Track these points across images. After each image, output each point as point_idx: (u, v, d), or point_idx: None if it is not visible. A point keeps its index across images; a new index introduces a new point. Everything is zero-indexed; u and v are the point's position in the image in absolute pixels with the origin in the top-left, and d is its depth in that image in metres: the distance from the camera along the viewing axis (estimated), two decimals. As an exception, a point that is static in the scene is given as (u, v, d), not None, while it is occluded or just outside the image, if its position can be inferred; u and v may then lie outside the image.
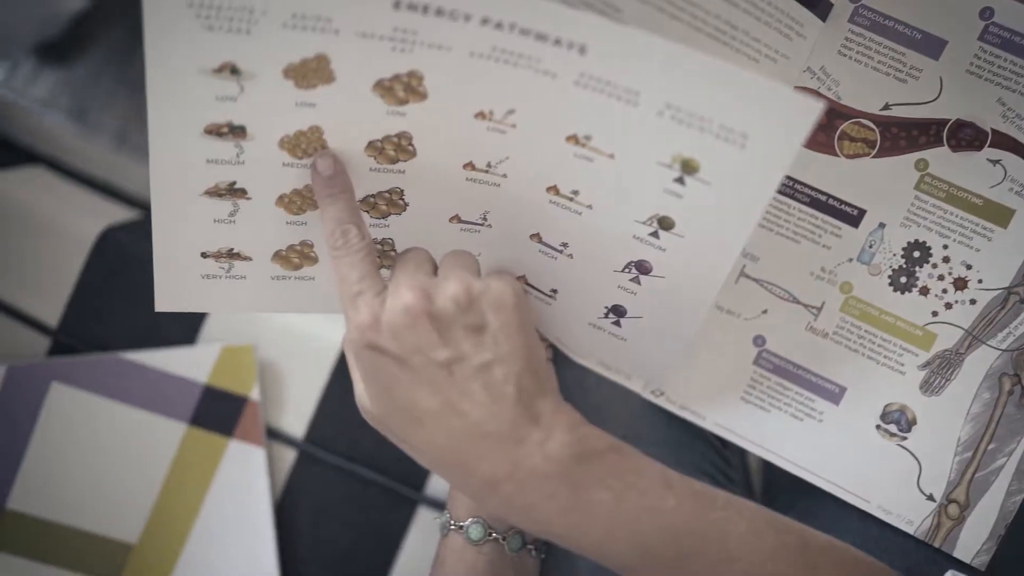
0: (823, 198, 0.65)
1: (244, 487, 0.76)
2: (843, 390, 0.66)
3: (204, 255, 0.60)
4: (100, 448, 0.76)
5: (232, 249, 0.60)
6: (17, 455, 0.76)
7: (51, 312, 0.77)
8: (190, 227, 0.59)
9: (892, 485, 0.65)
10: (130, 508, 0.76)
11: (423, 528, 0.78)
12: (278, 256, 0.61)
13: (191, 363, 0.76)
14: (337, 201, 0.56)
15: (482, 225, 0.62)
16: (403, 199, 0.60)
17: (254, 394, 0.76)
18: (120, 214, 0.82)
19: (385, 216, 0.61)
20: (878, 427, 0.65)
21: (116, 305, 0.77)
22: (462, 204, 0.61)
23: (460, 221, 0.62)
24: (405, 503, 0.78)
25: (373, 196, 0.59)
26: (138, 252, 0.78)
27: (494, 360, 0.51)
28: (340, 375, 0.77)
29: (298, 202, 0.59)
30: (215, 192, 0.57)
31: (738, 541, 0.52)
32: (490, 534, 0.64)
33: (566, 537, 0.52)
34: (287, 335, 0.77)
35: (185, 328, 0.77)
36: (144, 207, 0.85)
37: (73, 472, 0.76)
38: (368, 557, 0.78)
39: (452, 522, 0.65)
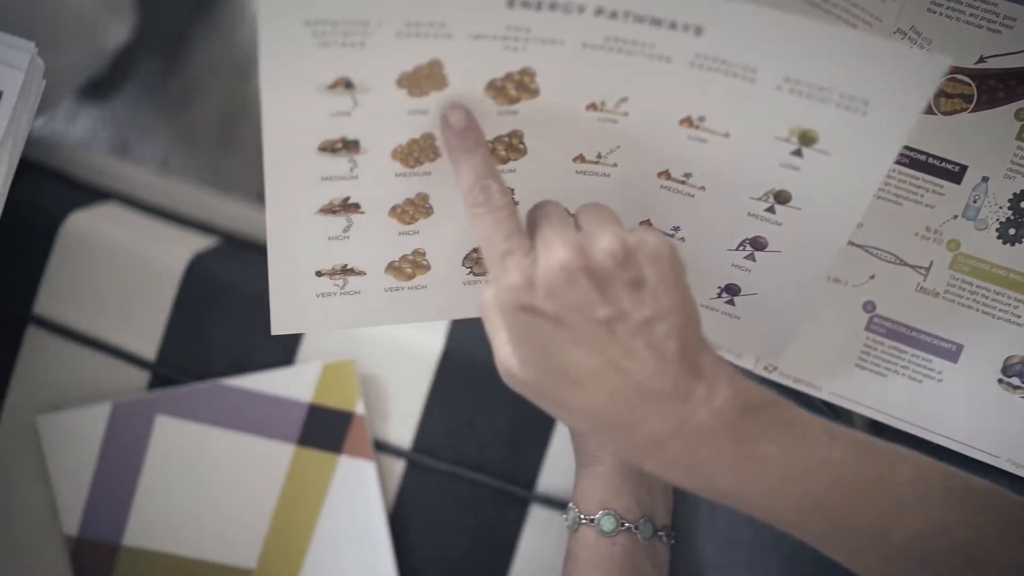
0: (922, 158, 0.65)
1: (357, 502, 0.76)
2: (960, 347, 0.65)
3: (319, 274, 0.60)
4: (210, 476, 0.76)
5: (346, 265, 0.60)
6: (128, 491, 0.76)
7: (148, 345, 0.77)
8: (305, 247, 0.59)
9: (1020, 438, 0.65)
10: (245, 533, 0.76)
11: (537, 526, 0.78)
12: (391, 268, 0.61)
13: (293, 383, 0.75)
14: (474, 155, 0.53)
15: None
16: (514, 197, 0.60)
17: (359, 408, 0.76)
18: (201, 242, 0.82)
19: None
20: (1000, 381, 0.65)
21: (211, 333, 0.77)
22: (571, 198, 0.61)
23: (571, 214, 0.61)
24: (517, 502, 0.78)
25: None
26: (227, 278, 0.78)
27: (655, 316, 0.49)
28: (441, 381, 0.77)
29: (410, 211, 0.59)
30: (329, 209, 0.57)
31: (905, 489, 0.50)
32: (622, 524, 0.64)
33: (734, 495, 0.50)
34: (385, 347, 0.77)
35: (282, 349, 0.77)
36: (221, 233, 0.85)
37: (185, 503, 0.76)
38: (485, 560, 0.78)
39: (582, 516, 0.65)
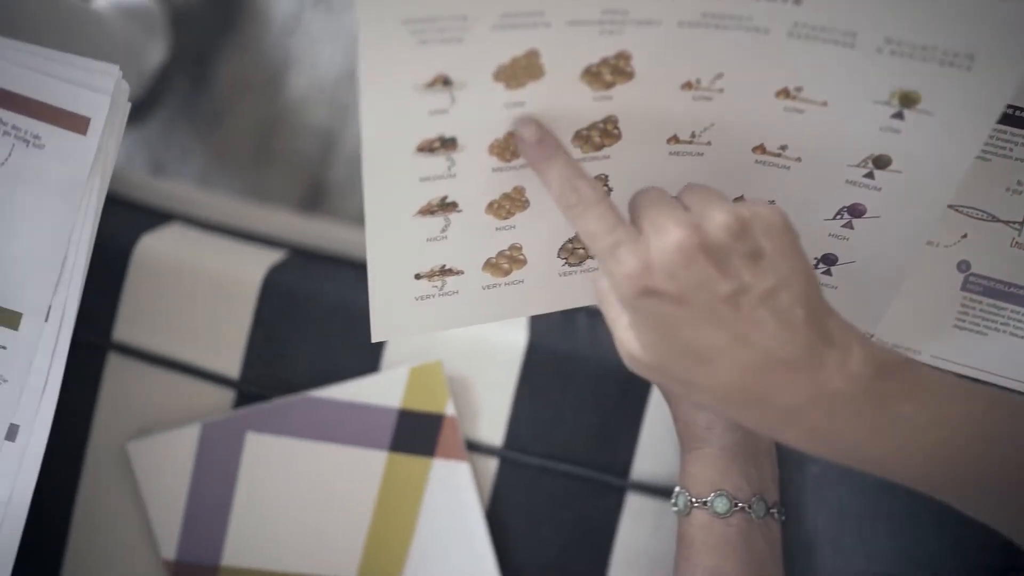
0: (1009, 111, 0.64)
1: (454, 504, 0.76)
2: (1060, 300, 0.65)
3: (417, 276, 0.60)
4: (305, 490, 0.75)
5: (444, 266, 0.60)
6: (223, 510, 0.75)
7: (230, 363, 0.77)
8: (404, 251, 0.58)
9: None
10: (344, 544, 0.76)
11: (634, 514, 0.77)
12: (488, 265, 0.61)
13: (381, 390, 0.75)
14: (555, 161, 0.53)
15: None
16: (607, 184, 0.59)
17: (449, 410, 0.75)
18: (271, 256, 0.81)
19: None
20: (1104, 331, 0.64)
21: (293, 346, 0.77)
22: (665, 180, 0.60)
23: None
24: (612, 492, 0.77)
25: None
26: (303, 289, 0.77)
27: (777, 285, 0.49)
28: (528, 376, 0.77)
29: (507, 206, 0.58)
30: (428, 210, 0.57)
31: None
32: (736, 504, 0.63)
33: (877, 460, 0.50)
34: (468, 346, 0.76)
35: (365, 357, 0.77)
36: (286, 246, 0.84)
37: (282, 518, 0.76)
38: (584, 552, 0.77)
39: (693, 500, 0.64)
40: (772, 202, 0.61)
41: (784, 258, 0.49)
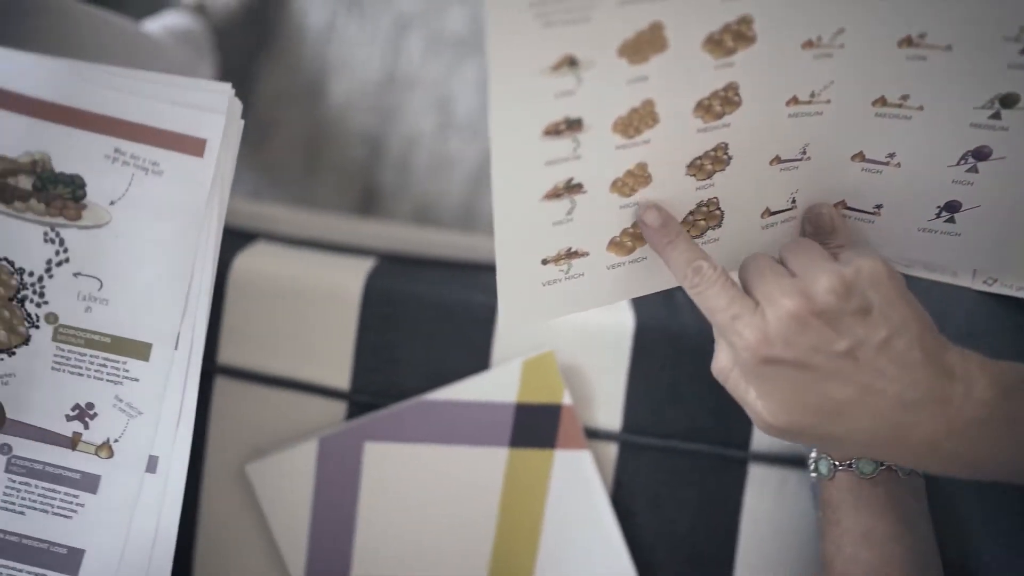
0: None
1: (579, 494, 0.75)
2: None
3: (544, 262, 0.59)
4: (428, 495, 0.75)
5: (570, 248, 0.59)
6: (348, 523, 0.74)
7: (339, 375, 0.76)
8: (531, 237, 0.58)
9: None
10: (473, 545, 0.75)
11: (758, 485, 0.76)
12: (613, 244, 0.60)
13: (495, 387, 0.74)
14: (677, 245, 0.58)
15: (801, 159, 0.61)
16: (727, 153, 0.58)
17: (566, 399, 0.74)
18: (363, 264, 0.80)
19: (710, 176, 0.59)
20: None
21: (400, 351, 0.76)
22: (783, 143, 0.59)
23: (780, 161, 0.60)
24: (734, 465, 0.76)
25: (700, 158, 0.58)
26: (403, 293, 0.77)
27: (891, 334, 0.52)
28: (639, 358, 0.76)
29: (630, 183, 0.58)
30: (554, 194, 0.56)
31: None
32: (881, 464, 0.63)
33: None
34: (576, 334, 0.76)
35: (474, 355, 0.76)
36: (373, 253, 0.84)
37: (407, 525, 0.75)
38: (711, 528, 0.77)
39: (836, 463, 0.64)
40: (892, 155, 0.60)
41: (893, 307, 0.53)
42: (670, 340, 0.75)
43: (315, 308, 0.76)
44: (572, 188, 0.56)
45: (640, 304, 0.77)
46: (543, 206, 0.56)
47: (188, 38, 1.05)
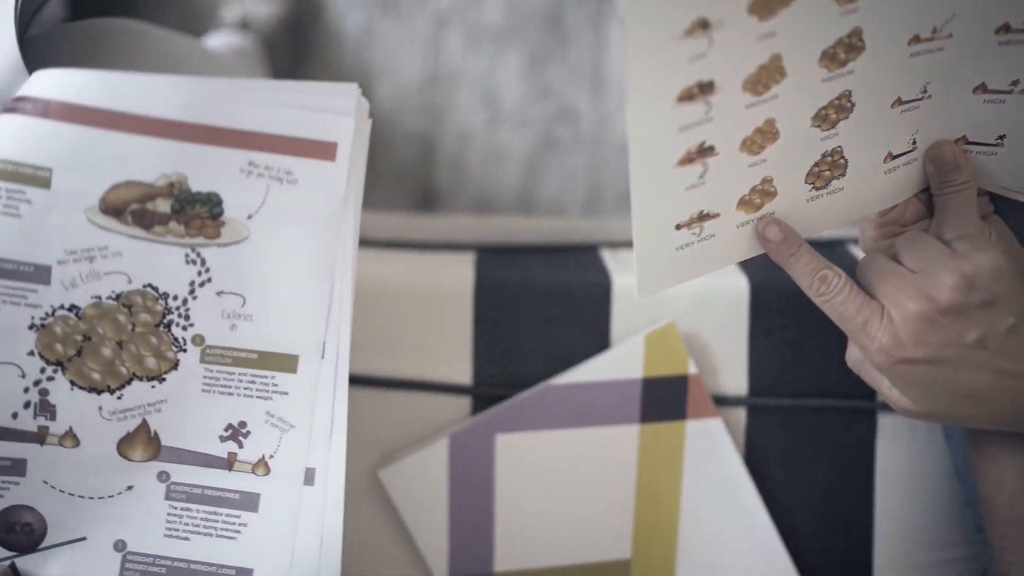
0: None
1: (714, 462, 0.74)
2: None
3: (678, 227, 0.59)
4: (563, 480, 0.74)
5: (702, 211, 0.59)
6: (487, 518, 0.74)
7: (461, 370, 0.76)
8: (666, 203, 0.57)
9: None
10: (613, 525, 0.75)
11: (889, 434, 0.76)
12: (742, 203, 0.60)
13: (620, 364, 0.74)
14: (801, 256, 0.60)
15: (922, 99, 0.60)
16: (851, 100, 0.58)
17: (692, 368, 0.74)
18: (465, 259, 0.80)
19: (834, 125, 0.59)
20: None
21: (519, 340, 0.76)
22: (904, 84, 0.59)
23: (901, 103, 0.60)
24: (864, 416, 0.76)
25: (824, 108, 0.57)
26: (514, 282, 0.76)
27: (1018, 320, 0.55)
28: (757, 319, 0.76)
29: (759, 140, 0.57)
30: (687, 159, 0.55)
31: None
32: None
33: None
34: (689, 302, 0.75)
35: (592, 335, 0.75)
36: (470, 247, 0.83)
37: (546, 513, 0.74)
38: (847, 481, 0.76)
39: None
40: (1016, 82, 0.60)
41: (1015, 297, 0.56)
42: (786, 297, 0.75)
43: (428, 307, 0.75)
44: (705, 151, 0.56)
45: (749, 265, 0.77)
46: (677, 172, 0.56)
47: (242, 54, 1.05)
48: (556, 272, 0.77)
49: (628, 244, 0.81)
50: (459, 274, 0.77)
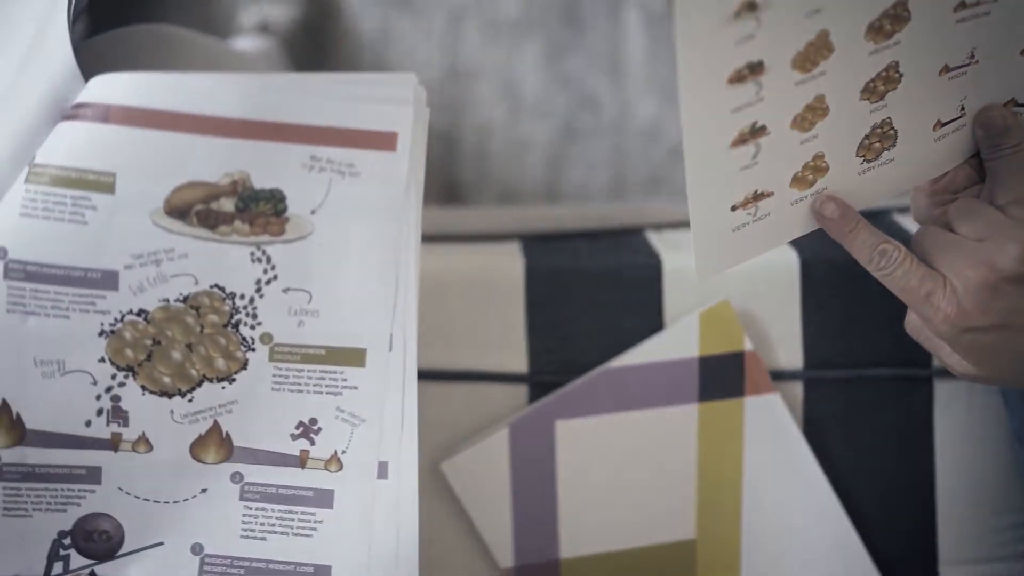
0: None
1: (774, 438, 0.75)
2: None
3: (733, 208, 0.59)
4: (625, 463, 0.75)
5: (757, 191, 0.59)
6: (550, 505, 0.74)
7: (517, 359, 0.76)
8: (721, 185, 0.58)
9: None
10: (676, 506, 0.75)
11: (946, 400, 0.76)
12: (795, 180, 0.60)
13: (676, 344, 0.74)
14: (859, 232, 0.60)
15: (969, 64, 0.60)
16: (898, 71, 0.58)
17: (748, 345, 0.74)
18: (510, 248, 0.80)
19: (883, 96, 0.59)
20: None
21: (573, 325, 0.76)
22: (951, 51, 0.59)
23: (948, 71, 0.60)
24: (920, 384, 0.76)
25: (872, 80, 0.58)
26: (563, 268, 0.77)
27: None
28: (810, 291, 0.76)
29: (809, 117, 0.57)
30: (740, 140, 0.56)
31: None
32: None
33: None
34: (740, 278, 0.75)
35: (646, 316, 0.76)
36: (510, 236, 0.83)
37: (609, 497, 0.75)
38: (908, 450, 0.76)
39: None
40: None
41: None
42: (837, 269, 0.75)
43: (480, 297, 0.76)
44: (757, 132, 0.56)
45: (798, 239, 0.76)
46: (731, 153, 0.56)
47: (268, 56, 1.05)
48: (605, 256, 0.77)
49: (672, 225, 0.82)
50: (509, 263, 0.77)
